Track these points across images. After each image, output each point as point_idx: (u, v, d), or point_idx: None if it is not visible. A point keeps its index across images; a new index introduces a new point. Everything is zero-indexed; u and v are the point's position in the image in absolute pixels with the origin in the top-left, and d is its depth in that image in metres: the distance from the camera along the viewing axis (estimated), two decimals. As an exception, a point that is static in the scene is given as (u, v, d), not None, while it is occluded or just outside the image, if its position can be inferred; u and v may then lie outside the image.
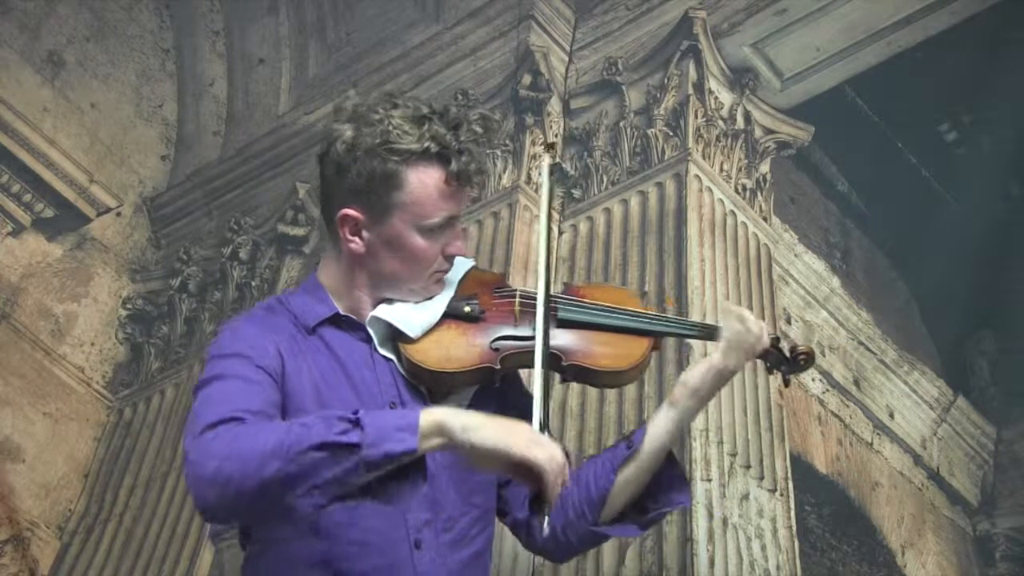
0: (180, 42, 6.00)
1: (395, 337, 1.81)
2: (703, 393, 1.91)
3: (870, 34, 4.41)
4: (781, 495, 3.67)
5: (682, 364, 3.54)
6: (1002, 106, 5.42)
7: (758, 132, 4.54)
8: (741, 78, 4.49)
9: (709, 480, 3.44)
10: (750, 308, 4.07)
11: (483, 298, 1.88)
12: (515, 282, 2.17)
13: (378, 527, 1.70)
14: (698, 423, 3.51)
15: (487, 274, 1.97)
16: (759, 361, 2.03)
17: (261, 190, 5.44)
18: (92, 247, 5.43)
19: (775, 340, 2.00)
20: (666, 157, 4.24)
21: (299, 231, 5.16)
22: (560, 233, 4.34)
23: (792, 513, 3.70)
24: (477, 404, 1.83)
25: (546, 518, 1.63)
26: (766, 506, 3.60)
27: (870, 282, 5.89)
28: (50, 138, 5.21)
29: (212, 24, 5.95)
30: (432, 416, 1.59)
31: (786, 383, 2.03)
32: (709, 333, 1.94)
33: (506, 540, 3.33)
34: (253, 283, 5.13)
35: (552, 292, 1.89)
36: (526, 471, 1.58)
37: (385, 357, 1.82)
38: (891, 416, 5.58)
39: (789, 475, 3.76)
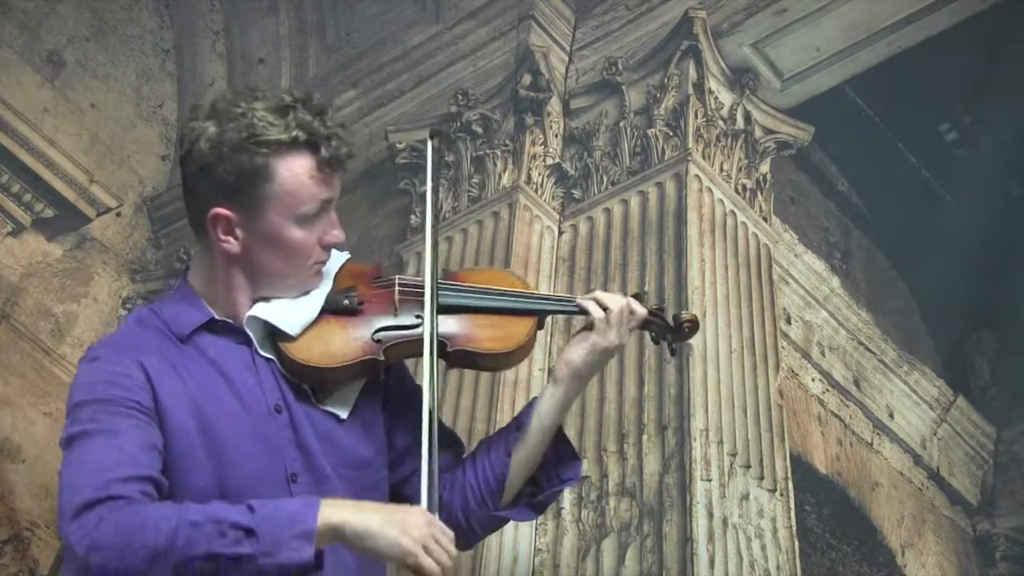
0: (180, 42, 6.00)
1: (274, 336, 1.78)
2: (585, 372, 1.90)
3: (870, 34, 4.41)
4: (781, 495, 3.67)
5: (680, 362, 3.55)
6: (1002, 106, 5.42)
7: (758, 132, 4.54)
8: (741, 78, 4.49)
9: (709, 480, 3.44)
10: (750, 308, 4.08)
11: (361, 289, 1.85)
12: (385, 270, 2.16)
13: None
14: (698, 423, 3.51)
15: (363, 265, 1.94)
16: (646, 334, 2.00)
17: (261, 190, 5.43)
18: (92, 247, 5.43)
19: (657, 310, 1.98)
20: (666, 157, 4.24)
21: (299, 231, 5.16)
22: (560, 233, 4.34)
23: (792, 513, 3.71)
24: (364, 397, 1.82)
25: None
26: (766, 506, 3.60)
27: (870, 282, 5.88)
28: (50, 138, 5.21)
29: (212, 24, 5.95)
30: (329, 519, 1.57)
31: (672, 352, 2.01)
32: (580, 307, 1.93)
33: (506, 539, 3.33)
34: (253, 283, 5.12)
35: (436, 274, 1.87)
36: (417, 573, 1.59)
37: (266, 358, 1.79)
38: (891, 416, 5.58)
39: (789, 475, 3.76)
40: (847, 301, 5.45)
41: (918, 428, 5.73)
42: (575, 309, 1.93)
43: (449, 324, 1.82)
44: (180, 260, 5.37)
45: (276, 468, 1.73)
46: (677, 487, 3.43)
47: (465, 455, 1.98)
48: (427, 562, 1.57)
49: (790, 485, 3.75)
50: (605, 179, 4.34)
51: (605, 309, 1.89)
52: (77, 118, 5.50)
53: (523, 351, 1.87)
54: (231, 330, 1.80)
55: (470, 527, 1.88)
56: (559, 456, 1.91)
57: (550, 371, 2.59)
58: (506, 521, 1.95)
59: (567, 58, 4.76)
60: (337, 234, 1.82)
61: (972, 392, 6.12)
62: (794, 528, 3.68)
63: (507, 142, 4.49)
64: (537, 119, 4.50)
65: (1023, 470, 6.00)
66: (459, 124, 4.63)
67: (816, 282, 5.31)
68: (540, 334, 1.91)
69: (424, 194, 4.69)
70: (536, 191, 4.38)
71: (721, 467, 3.52)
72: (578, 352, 1.88)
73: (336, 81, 5.42)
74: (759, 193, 4.45)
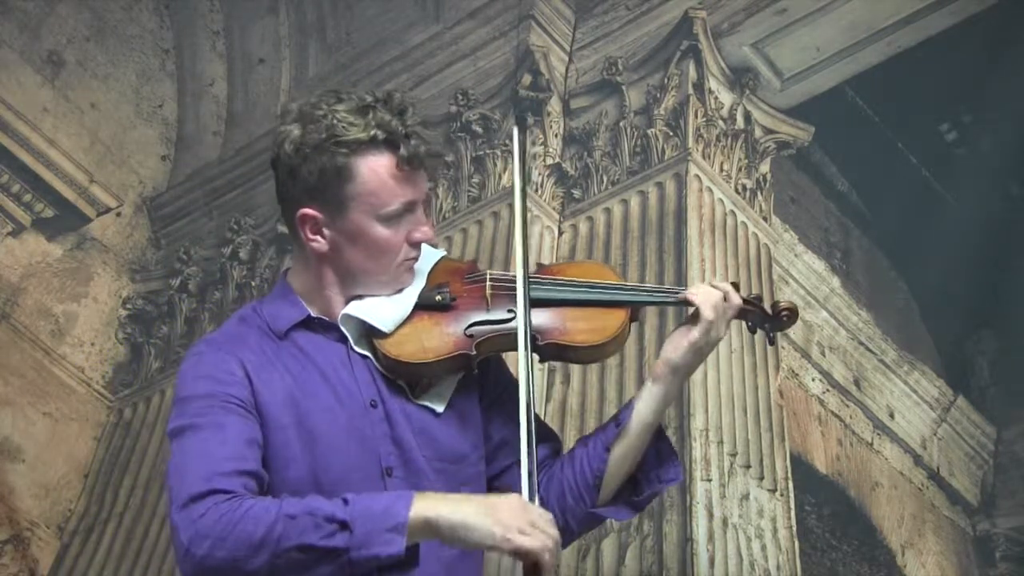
0: (180, 42, 6.00)
1: (369, 333, 1.80)
2: (685, 369, 1.89)
3: (870, 34, 4.41)
4: (781, 495, 3.67)
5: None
6: (1002, 106, 5.42)
7: (758, 132, 4.54)
8: (741, 78, 4.50)
9: (709, 480, 3.44)
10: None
11: (454, 285, 1.87)
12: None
13: None
14: (698, 423, 3.51)
15: (458, 262, 1.96)
16: (742, 323, 1.99)
17: (261, 190, 5.43)
18: (92, 247, 5.43)
19: (755, 298, 1.97)
20: (666, 157, 4.24)
21: (299, 231, 5.16)
22: (560, 233, 4.34)
23: (792, 513, 3.71)
24: (460, 391, 1.83)
25: None
26: (766, 506, 3.60)
27: (870, 282, 5.88)
28: (50, 138, 5.21)
29: (212, 24, 5.95)
30: (422, 512, 1.59)
31: (770, 341, 1.99)
32: (683, 298, 1.91)
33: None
34: (253, 283, 5.13)
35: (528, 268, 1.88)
36: (521, 557, 1.59)
37: (362, 355, 1.81)
38: (891, 416, 5.58)
39: (789, 475, 3.77)
40: (847, 301, 5.45)
41: (918, 428, 5.73)
42: (675, 300, 1.91)
43: (541, 317, 1.83)
44: (180, 260, 5.37)
45: (371, 462, 1.75)
46: (677, 487, 3.43)
47: (563, 452, 1.98)
48: (526, 541, 1.57)
49: (790, 485, 3.75)
50: (605, 179, 4.34)
51: (710, 303, 1.88)
52: (77, 118, 5.50)
53: (616, 343, 1.86)
54: (327, 327, 1.83)
55: (567, 524, 1.88)
56: (659, 455, 1.91)
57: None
58: (603, 520, 1.95)
59: (567, 58, 4.76)
60: (425, 231, 1.83)
61: (972, 392, 6.12)
62: (794, 528, 3.68)
63: (507, 142, 4.50)
64: (537, 119, 4.51)
65: (1023, 470, 6.00)
66: (459, 124, 4.63)
67: (816, 282, 5.31)
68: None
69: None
70: (536, 191, 4.38)
71: (721, 467, 3.52)
72: (678, 350, 1.87)
73: (336, 81, 5.42)
74: (759, 193, 4.45)
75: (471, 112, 4.62)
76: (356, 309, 1.80)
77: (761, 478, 3.64)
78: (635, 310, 1.89)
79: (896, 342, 5.67)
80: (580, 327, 1.84)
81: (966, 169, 6.05)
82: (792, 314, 1.97)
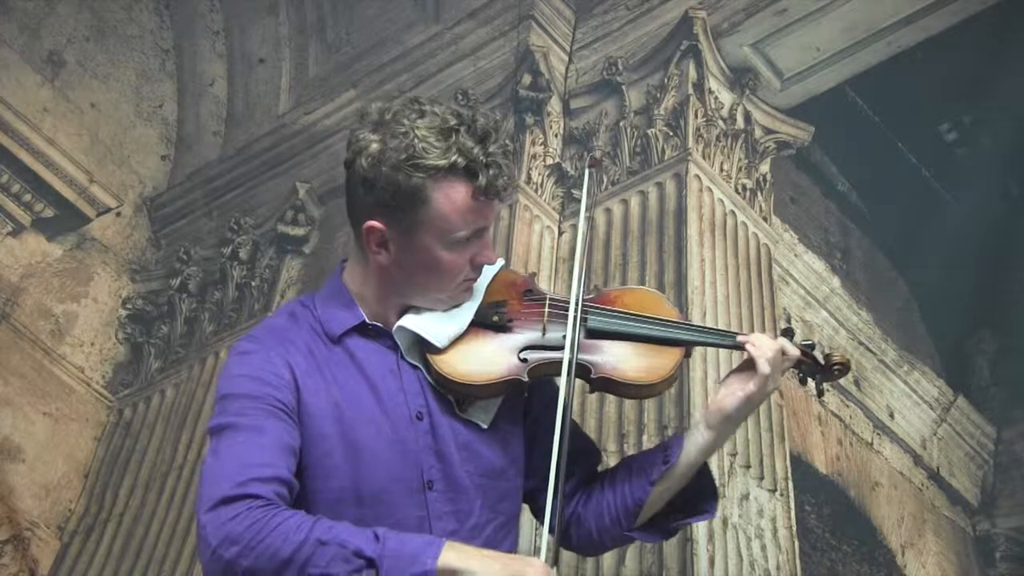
0: (180, 42, 6.00)
1: (422, 346, 1.79)
2: (737, 417, 1.88)
3: (870, 34, 4.41)
4: (781, 495, 3.67)
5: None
6: (1002, 106, 5.42)
7: (758, 132, 4.54)
8: (741, 78, 4.49)
9: (709, 480, 3.44)
10: (750, 308, 4.08)
11: (512, 304, 1.85)
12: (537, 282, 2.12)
13: (408, 527, 1.70)
14: (698, 423, 3.51)
15: (516, 275, 1.93)
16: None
17: (261, 190, 5.44)
18: (92, 247, 5.43)
19: (808, 347, 1.94)
20: (666, 157, 4.24)
21: (299, 231, 5.16)
22: (560, 233, 4.34)
23: (792, 513, 3.71)
24: (506, 405, 1.82)
25: None
26: (766, 506, 3.60)
27: (870, 282, 5.88)
28: (50, 138, 5.22)
29: (212, 24, 5.95)
30: (450, 562, 1.58)
31: (819, 393, 1.96)
32: (739, 344, 1.89)
33: (506, 540, 3.33)
34: (253, 283, 5.13)
35: (585, 296, 1.85)
36: None
37: (412, 364, 1.80)
38: (891, 416, 5.58)
39: (789, 475, 3.76)
40: (847, 301, 5.45)
41: (918, 428, 5.73)
42: (730, 345, 1.90)
43: (594, 349, 1.81)
44: (180, 260, 5.37)
45: (413, 474, 1.75)
46: (677, 487, 3.42)
47: (603, 468, 1.98)
48: None
49: (790, 485, 3.75)
50: (605, 179, 4.35)
51: (764, 354, 1.85)
52: (77, 118, 5.50)
53: (667, 383, 1.85)
54: (380, 334, 1.82)
55: (600, 541, 1.90)
56: (701, 488, 1.91)
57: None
58: (633, 540, 1.96)
59: (567, 58, 4.76)
60: (489, 255, 1.82)
61: (972, 392, 6.11)
62: (794, 528, 3.68)
63: (507, 142, 4.49)
64: (537, 119, 4.51)
65: (1023, 470, 6.00)
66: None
67: (816, 282, 5.31)
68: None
69: None
70: (536, 191, 4.38)
71: (721, 467, 3.52)
72: (732, 400, 1.86)
73: (336, 81, 5.42)
74: (759, 193, 4.45)
75: (472, 111, 4.62)
76: (411, 322, 1.79)
77: (761, 478, 3.64)
78: (689, 349, 1.87)
79: (896, 342, 5.67)
80: (634, 364, 1.82)
81: (966, 169, 6.05)
82: (844, 368, 1.94)
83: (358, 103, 5.23)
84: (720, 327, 1.92)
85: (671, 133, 4.30)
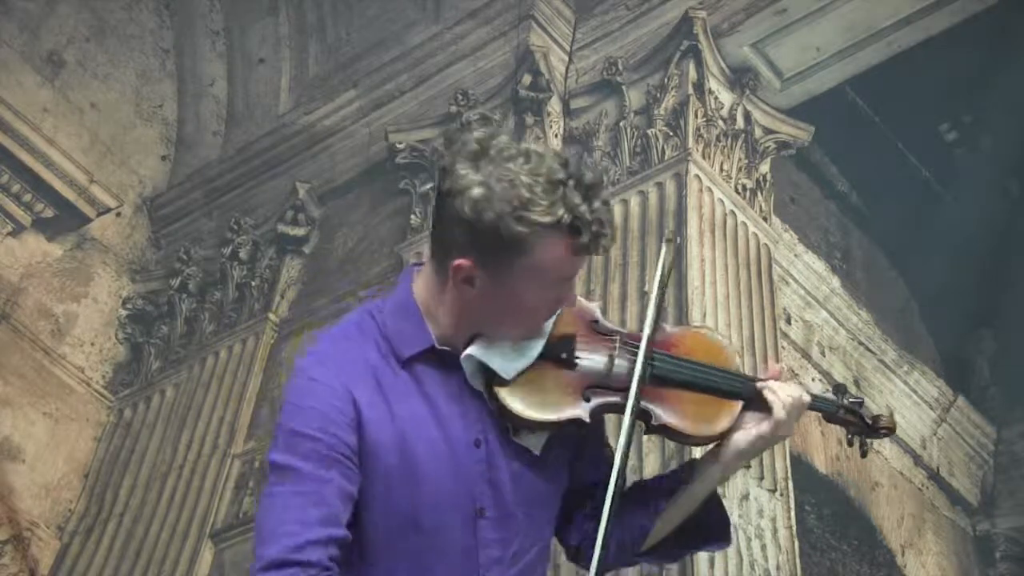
0: (180, 42, 6.00)
1: (487, 375, 1.77)
2: (749, 455, 1.88)
3: (870, 34, 4.41)
4: (781, 495, 3.67)
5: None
6: (1002, 106, 5.42)
7: (758, 132, 4.54)
8: (741, 78, 4.49)
9: (709, 480, 3.44)
10: (750, 308, 4.08)
11: (581, 337, 1.83)
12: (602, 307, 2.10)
13: (450, 565, 1.72)
14: (698, 423, 3.51)
15: (582, 304, 1.88)
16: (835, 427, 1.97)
17: (261, 190, 5.44)
18: (92, 247, 5.43)
19: (857, 404, 1.93)
20: (666, 157, 4.24)
21: (299, 231, 5.16)
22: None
23: (792, 513, 3.71)
24: (554, 439, 1.81)
25: None
26: (766, 506, 3.60)
27: (870, 282, 5.88)
28: (50, 138, 5.22)
29: (212, 24, 5.95)
30: None
31: (863, 454, 1.95)
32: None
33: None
34: (253, 283, 5.13)
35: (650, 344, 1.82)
36: None
37: (475, 391, 1.78)
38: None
39: (789, 475, 3.76)
40: (847, 301, 5.45)
41: (918, 428, 5.73)
42: (751, 393, 1.87)
43: (657, 396, 1.80)
44: (180, 260, 5.37)
45: (466, 502, 1.74)
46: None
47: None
48: None
49: (790, 485, 3.75)
50: (605, 179, 4.34)
51: (781, 402, 1.83)
52: (77, 118, 5.50)
53: (723, 436, 1.84)
54: (447, 358, 1.79)
55: (609, 564, 1.90)
56: (709, 518, 1.90)
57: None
58: (637, 563, 1.98)
59: (567, 58, 4.76)
60: (572, 299, 1.79)
61: (972, 392, 6.12)
62: (794, 528, 3.68)
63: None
64: (537, 119, 4.50)
65: (1023, 470, 6.00)
66: (459, 124, 4.63)
67: (816, 282, 5.31)
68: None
69: (424, 195, 4.71)
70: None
71: (721, 467, 3.51)
72: (746, 438, 1.84)
73: (336, 81, 5.42)
74: (759, 193, 4.45)
75: (471, 112, 4.62)
76: (480, 352, 1.77)
77: (761, 478, 3.64)
78: (748, 401, 1.85)
79: (896, 342, 5.67)
80: (696, 414, 1.81)
81: (966, 169, 6.05)
82: (890, 430, 1.93)
83: (358, 103, 5.23)
84: (749, 375, 1.90)
85: (671, 133, 4.30)
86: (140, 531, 4.62)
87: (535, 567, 1.80)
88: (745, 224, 4.28)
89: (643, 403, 1.77)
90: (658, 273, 1.87)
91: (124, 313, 5.41)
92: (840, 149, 5.83)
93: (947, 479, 5.80)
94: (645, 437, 3.59)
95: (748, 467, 3.62)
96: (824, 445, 5.07)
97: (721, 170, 4.30)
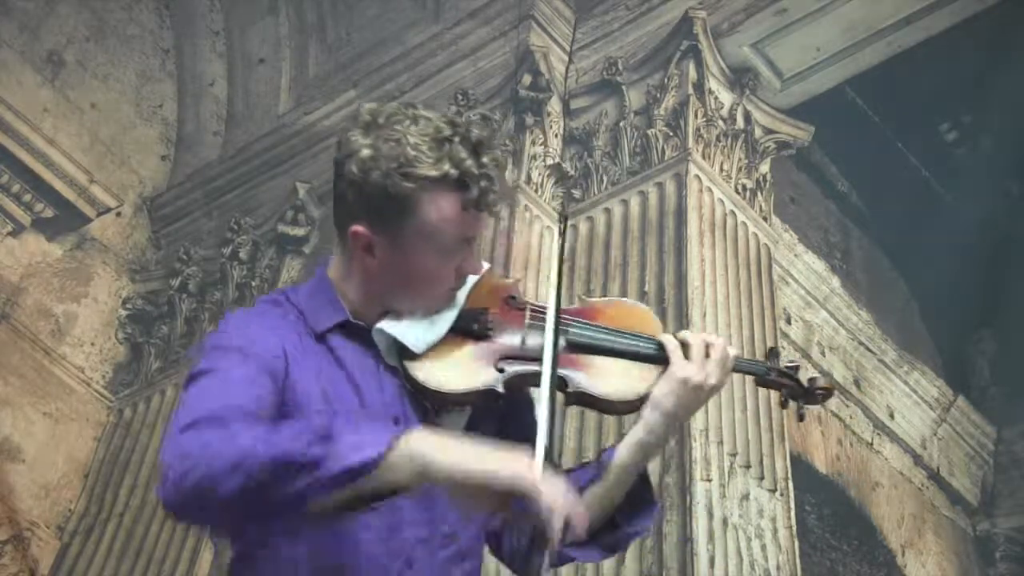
0: (180, 42, 6.00)
1: (400, 350, 1.76)
2: (667, 408, 1.80)
3: (870, 34, 4.41)
4: (781, 495, 3.67)
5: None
6: (1002, 106, 5.42)
7: (758, 132, 4.54)
8: (741, 78, 4.49)
9: (709, 480, 3.44)
10: (750, 308, 4.08)
11: (493, 311, 1.81)
12: (523, 288, 2.07)
13: (372, 540, 1.67)
14: (698, 423, 3.51)
15: (500, 282, 1.89)
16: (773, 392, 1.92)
17: (261, 190, 5.44)
18: (92, 247, 5.43)
19: (793, 369, 1.89)
20: (666, 157, 4.24)
21: (299, 231, 5.16)
22: (560, 233, 4.33)
23: (792, 513, 3.70)
24: (477, 419, 1.79)
25: (546, 558, 1.51)
26: (766, 506, 3.60)
27: (870, 282, 5.89)
28: (50, 138, 5.21)
29: (212, 24, 5.95)
30: (410, 443, 1.50)
31: (800, 417, 1.90)
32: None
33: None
34: (253, 283, 5.13)
35: (565, 307, 1.81)
36: (516, 502, 1.49)
37: (392, 367, 1.77)
38: (891, 416, 5.58)
39: (789, 475, 3.76)
40: (847, 301, 5.45)
41: (918, 428, 5.73)
42: (653, 350, 1.82)
43: (573, 363, 1.77)
44: (180, 260, 5.37)
45: None
46: (677, 487, 3.43)
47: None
48: (525, 481, 1.47)
49: (790, 485, 3.75)
50: (605, 179, 4.35)
51: (683, 344, 1.79)
52: (77, 118, 5.50)
53: (644, 400, 1.79)
54: (362, 333, 1.79)
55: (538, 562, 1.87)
56: (641, 499, 1.85)
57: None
58: (571, 560, 1.89)
59: (567, 58, 4.76)
60: (475, 265, 1.79)
61: (972, 392, 6.12)
62: (794, 528, 3.68)
63: (507, 142, 4.49)
64: (537, 119, 4.50)
65: (1023, 470, 6.00)
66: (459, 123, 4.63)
67: (816, 282, 5.32)
68: None
69: None
70: (536, 191, 4.38)
71: (721, 467, 3.52)
72: (663, 393, 1.80)
73: (336, 81, 5.42)
74: (759, 193, 4.45)
75: (471, 112, 4.62)
76: (390, 326, 1.76)
77: (761, 478, 3.64)
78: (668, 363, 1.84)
79: (896, 342, 5.67)
80: (614, 380, 1.78)
81: (966, 169, 6.06)
82: (827, 393, 1.87)
83: (358, 103, 5.23)
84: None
85: (671, 133, 4.30)
86: (140, 531, 4.62)
87: (474, 550, 1.78)
88: (745, 224, 4.28)
89: (559, 370, 1.72)
90: (555, 244, 1.86)
91: (124, 313, 5.41)
92: (840, 149, 5.83)
93: (947, 479, 5.80)
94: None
95: (748, 467, 3.61)
96: (824, 445, 5.07)
97: (721, 170, 4.30)
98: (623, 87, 4.48)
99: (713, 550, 3.32)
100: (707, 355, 1.81)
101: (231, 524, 1.59)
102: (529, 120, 4.49)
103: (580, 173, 4.43)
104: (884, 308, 5.79)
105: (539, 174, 4.42)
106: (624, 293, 3.97)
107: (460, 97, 4.68)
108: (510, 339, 1.79)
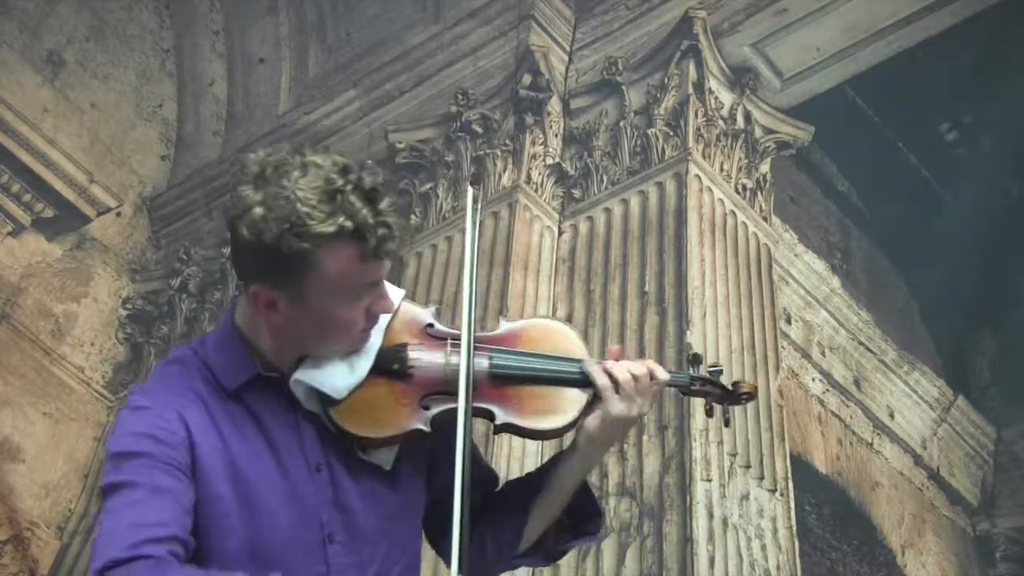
0: (180, 42, 6.00)
1: (321, 396, 1.72)
2: (600, 440, 1.80)
3: (870, 34, 4.41)
4: (781, 495, 3.67)
5: (679, 361, 3.54)
6: (1002, 106, 5.42)
7: (758, 132, 4.54)
8: (741, 78, 4.49)
9: (709, 480, 3.44)
10: (750, 308, 4.08)
11: (413, 344, 1.77)
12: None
13: None
14: (698, 423, 3.51)
15: (416, 311, 1.83)
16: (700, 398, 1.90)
17: (261, 190, 5.43)
18: (92, 247, 5.43)
19: (715, 373, 1.86)
20: (666, 157, 4.24)
21: (299, 231, 5.16)
22: (560, 233, 4.33)
23: (792, 513, 3.71)
24: (405, 451, 1.76)
25: None
26: (766, 506, 3.60)
27: (870, 282, 5.89)
28: (50, 138, 5.22)
29: (212, 24, 5.95)
30: None
31: (726, 423, 1.88)
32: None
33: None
34: (253, 283, 5.12)
35: (484, 335, 1.78)
36: None
37: (312, 412, 1.73)
38: (891, 416, 5.58)
39: (789, 475, 3.76)
40: (847, 301, 5.45)
41: (918, 428, 5.73)
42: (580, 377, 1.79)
43: (497, 395, 1.74)
44: (180, 260, 5.37)
45: (312, 530, 1.69)
46: (677, 487, 3.43)
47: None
48: None
49: (790, 485, 3.75)
50: (605, 179, 4.34)
51: (612, 379, 1.77)
52: (77, 118, 5.50)
53: (571, 427, 1.78)
54: (276, 384, 1.74)
55: (488, 568, 1.84)
56: (582, 510, 1.85)
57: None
58: (519, 567, 1.90)
59: (567, 58, 4.76)
60: (385, 305, 1.73)
61: (972, 392, 6.12)
62: (794, 528, 3.68)
63: (507, 142, 4.49)
64: (537, 119, 4.50)
65: (1023, 470, 6.00)
66: (459, 124, 4.63)
67: (816, 282, 5.31)
68: None
69: (424, 195, 4.71)
70: (536, 191, 4.38)
71: (721, 467, 3.52)
72: (595, 424, 1.78)
73: (336, 81, 5.42)
74: (759, 193, 4.45)
75: (471, 112, 4.62)
76: (307, 375, 1.72)
77: (761, 478, 3.64)
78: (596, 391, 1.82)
79: (896, 342, 5.67)
80: (537, 408, 1.75)
81: (966, 169, 6.05)
82: (751, 395, 1.85)
83: (358, 103, 5.23)
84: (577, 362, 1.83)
85: (671, 133, 4.30)
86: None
87: None
88: (745, 224, 4.28)
89: (484, 403, 1.72)
90: (469, 228, 1.81)
91: (124, 313, 5.41)
92: (840, 149, 5.83)
93: (947, 479, 5.80)
94: (640, 440, 3.59)
95: (748, 467, 3.61)
96: (824, 445, 5.07)
97: (721, 170, 4.30)
98: (623, 87, 4.48)
99: (713, 550, 3.32)
100: (635, 387, 1.79)
101: None
102: (529, 120, 4.49)
103: (580, 173, 4.43)
104: (884, 308, 5.79)
105: (539, 174, 4.42)
106: (624, 293, 3.97)
107: (460, 97, 4.68)
108: (432, 373, 1.75)
